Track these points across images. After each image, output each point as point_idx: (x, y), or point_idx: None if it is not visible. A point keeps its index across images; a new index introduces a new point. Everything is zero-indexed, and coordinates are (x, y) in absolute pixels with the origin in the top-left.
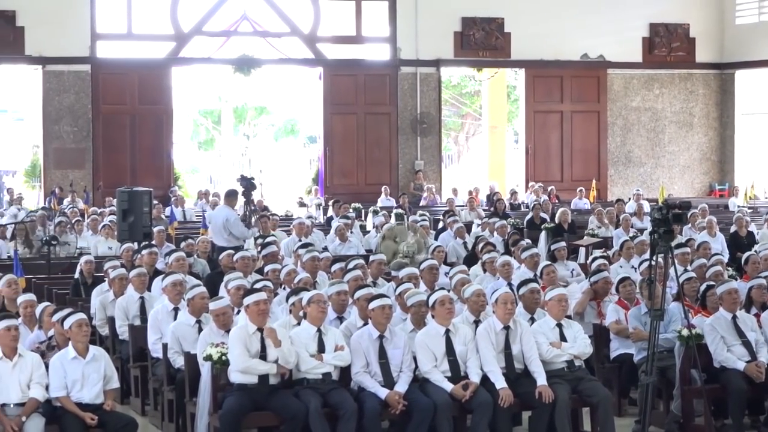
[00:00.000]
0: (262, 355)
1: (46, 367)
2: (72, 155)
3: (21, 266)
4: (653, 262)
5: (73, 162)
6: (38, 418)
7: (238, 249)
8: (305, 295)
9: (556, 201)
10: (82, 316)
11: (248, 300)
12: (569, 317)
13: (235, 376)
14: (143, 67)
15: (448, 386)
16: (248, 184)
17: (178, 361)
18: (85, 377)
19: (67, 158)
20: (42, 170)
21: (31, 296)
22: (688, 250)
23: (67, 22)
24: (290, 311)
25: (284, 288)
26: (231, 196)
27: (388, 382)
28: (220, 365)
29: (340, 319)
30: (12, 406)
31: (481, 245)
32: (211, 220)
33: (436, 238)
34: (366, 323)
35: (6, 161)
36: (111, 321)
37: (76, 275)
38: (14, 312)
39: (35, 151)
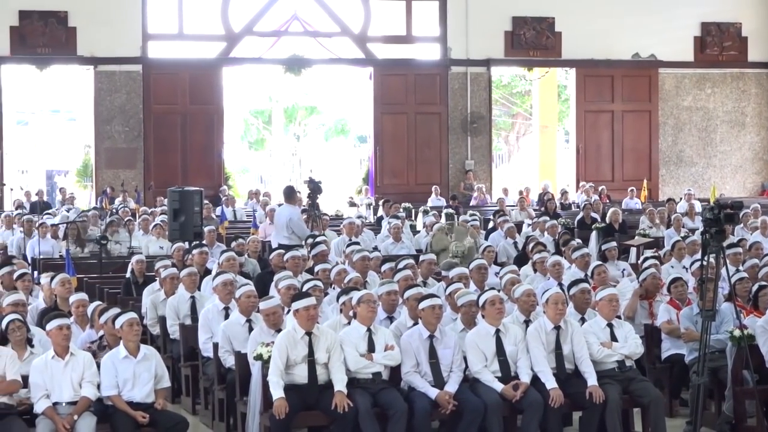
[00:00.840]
0: (310, 359)
1: (98, 366)
2: (123, 155)
3: (73, 265)
4: (705, 263)
5: (125, 162)
6: (90, 417)
7: (289, 248)
8: (355, 295)
9: (607, 201)
10: (133, 315)
11: (297, 305)
12: (620, 317)
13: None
14: (194, 67)
15: (499, 386)
16: (315, 187)
17: (229, 361)
18: (137, 376)
19: (119, 158)
20: (93, 170)
21: (83, 295)
22: (740, 250)
23: (119, 23)
24: (340, 311)
25: (334, 288)
26: (292, 194)
27: (438, 382)
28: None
29: (390, 318)
30: (64, 404)
31: (531, 245)
32: (275, 218)
33: (486, 238)
34: (416, 323)
35: (58, 161)
36: (162, 320)
37: (128, 274)
38: (66, 311)
39: (87, 151)
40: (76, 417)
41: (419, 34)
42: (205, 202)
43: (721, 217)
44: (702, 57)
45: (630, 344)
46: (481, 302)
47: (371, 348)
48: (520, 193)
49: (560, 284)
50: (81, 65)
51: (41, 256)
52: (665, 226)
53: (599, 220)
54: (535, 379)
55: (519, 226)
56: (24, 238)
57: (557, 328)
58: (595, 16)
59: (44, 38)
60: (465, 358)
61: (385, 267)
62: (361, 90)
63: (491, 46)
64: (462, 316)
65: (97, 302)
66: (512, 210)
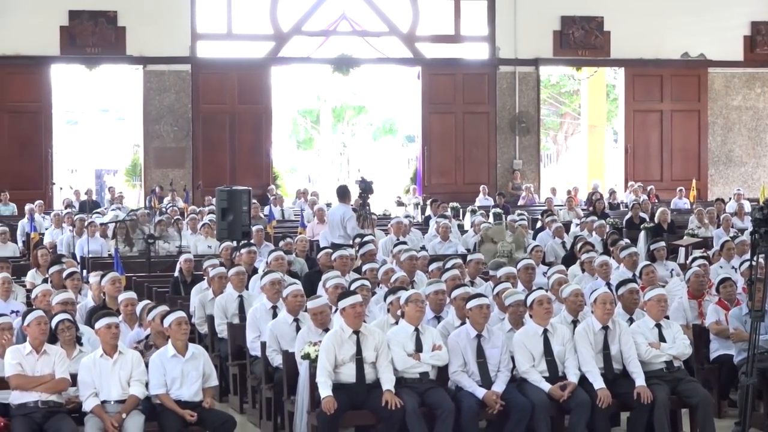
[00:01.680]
0: (358, 358)
1: (146, 365)
2: (172, 154)
3: (121, 264)
4: (754, 263)
5: (173, 161)
6: (138, 415)
7: (337, 248)
8: (403, 294)
9: (656, 200)
10: (181, 314)
11: (344, 303)
12: (668, 318)
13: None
14: (243, 66)
15: (546, 386)
16: (366, 186)
17: (276, 360)
18: (185, 375)
19: (167, 157)
20: (142, 169)
21: (131, 294)
22: None
23: (168, 23)
24: (388, 310)
25: (381, 287)
26: (345, 193)
27: (486, 381)
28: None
29: (438, 318)
30: (112, 403)
31: (579, 245)
32: (328, 217)
33: (534, 238)
34: (463, 323)
35: (107, 160)
36: (210, 319)
37: (176, 273)
38: (115, 309)
39: (136, 150)
40: (124, 415)
41: (467, 33)
42: (253, 201)
43: None
44: (752, 56)
45: (678, 345)
46: (528, 302)
47: (419, 348)
48: (568, 192)
49: (608, 284)
50: (130, 65)
51: (90, 255)
52: (714, 226)
53: (648, 219)
54: (583, 379)
55: (567, 225)
56: (73, 237)
57: (605, 328)
58: (644, 16)
59: (94, 38)
60: (512, 358)
61: (433, 266)
62: (409, 89)
63: (540, 45)
64: (510, 316)
65: (146, 301)
66: (560, 210)
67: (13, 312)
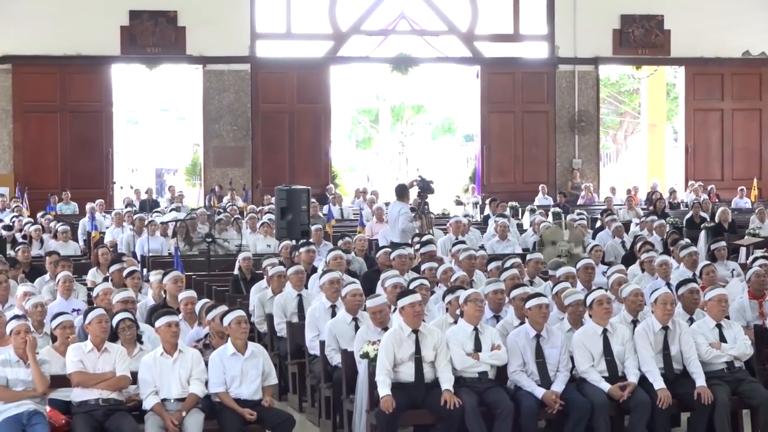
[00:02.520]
0: (417, 357)
1: (205, 363)
2: (231, 153)
3: (182, 263)
4: None
5: (233, 160)
6: (198, 414)
7: (396, 247)
8: (462, 294)
9: (716, 200)
10: (241, 313)
11: (403, 302)
12: (729, 318)
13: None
14: (302, 66)
15: (606, 386)
16: (425, 185)
17: (336, 359)
18: (244, 374)
19: (227, 156)
20: (202, 168)
21: (191, 293)
22: None
23: (228, 22)
24: (446, 309)
25: (440, 286)
26: (403, 192)
27: (545, 381)
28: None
29: (497, 317)
30: (172, 401)
31: (639, 244)
32: (388, 215)
33: (593, 237)
34: (522, 322)
35: (167, 160)
36: (269, 318)
37: (235, 272)
38: (175, 308)
39: (195, 149)
40: (184, 413)
41: (527, 32)
42: (312, 200)
43: None
44: None
45: (739, 345)
46: (588, 302)
47: (478, 347)
48: (628, 192)
49: (668, 284)
50: (190, 64)
51: (150, 254)
52: None
53: (708, 219)
54: (643, 380)
55: (627, 225)
56: (134, 235)
57: (665, 328)
58: (705, 14)
59: (154, 38)
60: (572, 358)
61: (492, 266)
62: (468, 88)
63: (599, 44)
64: (569, 316)
65: (205, 300)
66: (620, 209)
67: (74, 310)
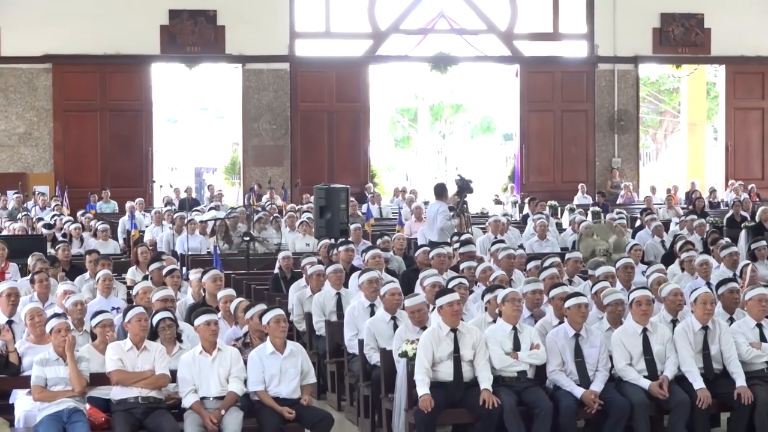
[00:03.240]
0: (456, 356)
1: (244, 362)
2: (271, 152)
3: (221, 262)
4: None
5: (272, 159)
6: (237, 412)
7: (435, 245)
8: (500, 293)
9: (757, 199)
10: (280, 312)
11: (441, 301)
12: None
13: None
14: (341, 65)
15: (645, 383)
16: (464, 184)
17: (374, 358)
18: (283, 372)
19: (266, 155)
20: (241, 167)
21: (230, 291)
22: None
23: (267, 21)
24: (485, 309)
25: (479, 285)
26: (442, 191)
27: (584, 380)
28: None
29: (535, 317)
30: (211, 399)
31: (679, 244)
32: (427, 214)
33: (633, 237)
34: (561, 321)
35: (206, 158)
36: (308, 317)
37: (275, 271)
38: (215, 306)
39: (234, 148)
40: (223, 412)
41: (566, 31)
42: (351, 199)
43: None
44: None
45: None
46: (627, 301)
47: (516, 346)
48: (668, 191)
49: (708, 283)
50: (229, 63)
51: (190, 252)
52: None
53: (749, 218)
54: (683, 379)
55: (666, 224)
56: (173, 234)
57: (705, 328)
58: (745, 13)
59: (193, 37)
60: (611, 357)
61: (531, 265)
62: (507, 87)
63: (639, 43)
64: (608, 315)
65: (240, 299)
66: (660, 208)
67: (113, 309)
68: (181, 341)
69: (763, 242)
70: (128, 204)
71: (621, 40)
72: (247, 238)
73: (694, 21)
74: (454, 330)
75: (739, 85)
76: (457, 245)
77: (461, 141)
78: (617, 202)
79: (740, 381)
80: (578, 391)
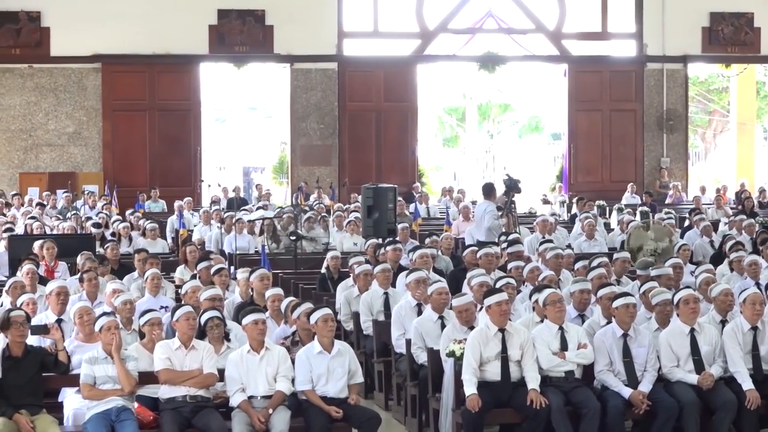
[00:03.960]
0: (503, 356)
1: (292, 361)
2: (318, 152)
3: (268, 261)
4: None
5: (320, 159)
6: (284, 411)
7: (482, 245)
8: (540, 297)
9: None
10: (328, 311)
11: (489, 300)
12: None
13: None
14: (389, 64)
15: (693, 378)
16: (512, 184)
17: (421, 357)
18: (330, 371)
19: (314, 155)
20: (289, 167)
21: (278, 290)
22: None
23: (315, 21)
24: (533, 308)
25: (526, 285)
26: (491, 191)
27: (632, 381)
28: (462, 361)
29: (582, 317)
30: (259, 398)
31: (728, 244)
32: (475, 214)
33: (682, 237)
34: (609, 321)
35: (254, 158)
36: (356, 316)
37: (323, 270)
38: (262, 306)
39: (282, 148)
40: (271, 411)
41: (615, 30)
42: (399, 198)
43: None
44: None
45: None
46: (675, 301)
47: (564, 346)
48: (717, 191)
49: (758, 284)
50: (277, 63)
51: (238, 252)
52: None
53: None
54: (732, 380)
55: (715, 224)
56: (221, 233)
57: (754, 328)
58: None
59: (242, 36)
60: (659, 357)
61: (579, 265)
62: (555, 87)
63: (688, 42)
64: (656, 315)
65: (290, 298)
66: (708, 208)
67: (162, 307)
68: (228, 340)
69: None
70: (176, 203)
71: (670, 40)
72: (293, 238)
73: (743, 20)
74: (501, 330)
75: None
76: (504, 245)
77: (509, 140)
78: (666, 202)
79: None
80: (626, 392)
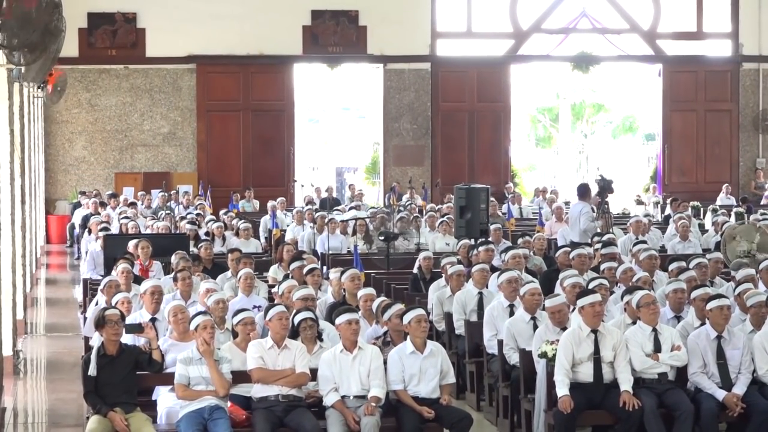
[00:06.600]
0: (596, 357)
1: (384, 361)
2: (411, 152)
3: (361, 261)
4: None
5: (412, 159)
6: (376, 411)
7: (575, 246)
8: (633, 299)
9: None
10: (421, 311)
11: (583, 301)
12: None
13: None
14: (482, 64)
15: None
16: (605, 185)
17: (514, 358)
18: (423, 372)
19: (407, 155)
20: (382, 167)
21: (371, 290)
22: None
23: (409, 21)
24: (625, 310)
25: (619, 286)
26: (586, 191)
27: (726, 383)
28: (555, 363)
29: (677, 318)
30: (351, 398)
31: None
32: (570, 215)
33: None
34: (703, 323)
35: (347, 158)
36: (448, 317)
37: (415, 270)
38: (354, 305)
39: (375, 148)
40: (366, 413)
41: (710, 30)
42: (492, 199)
43: None
44: None
45: None
46: None
47: (657, 348)
48: None
49: None
50: (371, 63)
51: (330, 252)
52: None
53: None
54: None
55: None
56: (314, 233)
57: None
58: None
59: (335, 37)
60: (753, 360)
61: (673, 266)
62: (650, 87)
63: None
64: (751, 317)
65: (382, 298)
66: None
67: (255, 307)
68: (321, 340)
69: None
70: (270, 203)
71: (766, 39)
72: (382, 238)
73: None
74: (594, 331)
75: None
76: (598, 246)
77: (603, 141)
78: (761, 203)
79: None
80: (720, 394)
